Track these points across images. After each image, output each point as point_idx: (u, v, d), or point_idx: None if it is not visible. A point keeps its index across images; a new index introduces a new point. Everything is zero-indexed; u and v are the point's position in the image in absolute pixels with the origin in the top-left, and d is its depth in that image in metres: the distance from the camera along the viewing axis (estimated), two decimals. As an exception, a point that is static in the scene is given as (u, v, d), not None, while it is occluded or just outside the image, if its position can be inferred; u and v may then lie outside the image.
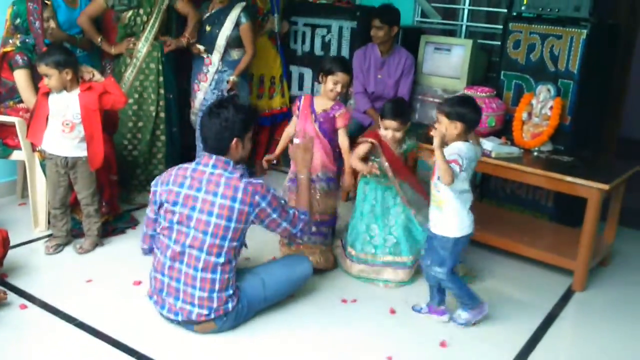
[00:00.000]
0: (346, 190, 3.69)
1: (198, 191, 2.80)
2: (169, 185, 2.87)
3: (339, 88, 3.53)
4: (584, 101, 4.05)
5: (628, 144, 5.83)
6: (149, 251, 3.07)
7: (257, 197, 2.79)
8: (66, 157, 3.54)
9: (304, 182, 3.16)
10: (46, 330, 2.92)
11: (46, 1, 3.80)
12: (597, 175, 3.46)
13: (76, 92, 3.49)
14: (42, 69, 3.39)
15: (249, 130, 2.91)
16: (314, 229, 3.56)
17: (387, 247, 3.51)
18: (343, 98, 3.78)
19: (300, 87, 5.37)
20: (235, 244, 2.83)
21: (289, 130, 3.76)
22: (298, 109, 3.67)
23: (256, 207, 2.80)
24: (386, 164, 3.42)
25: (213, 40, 4.49)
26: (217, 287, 2.81)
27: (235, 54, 4.57)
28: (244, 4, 4.48)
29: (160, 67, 4.41)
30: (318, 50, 5.23)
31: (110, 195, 3.95)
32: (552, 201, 4.27)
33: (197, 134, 4.54)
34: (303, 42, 5.30)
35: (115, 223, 3.97)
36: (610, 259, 3.97)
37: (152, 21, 4.33)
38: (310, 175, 3.22)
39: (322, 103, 3.61)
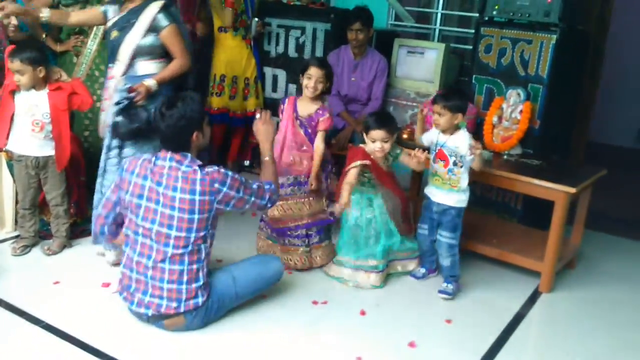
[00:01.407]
0: (314, 192, 3.65)
1: (158, 185, 2.79)
2: (133, 175, 2.86)
3: (312, 83, 3.56)
4: (553, 106, 4.11)
5: (596, 148, 5.93)
6: (101, 235, 3.06)
7: (216, 185, 2.79)
8: (37, 157, 3.51)
9: (269, 161, 3.16)
10: (13, 332, 2.88)
11: None
12: (565, 178, 3.52)
13: (45, 91, 3.46)
14: (16, 65, 3.34)
15: (204, 117, 2.91)
16: (299, 232, 3.64)
17: (364, 251, 3.53)
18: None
19: (274, 89, 5.37)
20: (202, 233, 2.83)
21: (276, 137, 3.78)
22: (282, 112, 3.70)
23: (217, 194, 2.80)
24: (369, 175, 3.51)
25: (115, 48, 3.53)
26: (185, 278, 2.81)
27: (143, 67, 3.54)
28: (161, 2, 3.48)
29: None
30: (292, 52, 5.23)
31: (78, 197, 3.91)
32: (520, 204, 4.32)
33: (102, 165, 3.57)
34: (277, 43, 5.29)
35: (83, 225, 3.93)
36: (576, 261, 4.03)
37: None
38: (273, 155, 3.21)
39: (306, 107, 3.64)
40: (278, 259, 3.36)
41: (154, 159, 2.86)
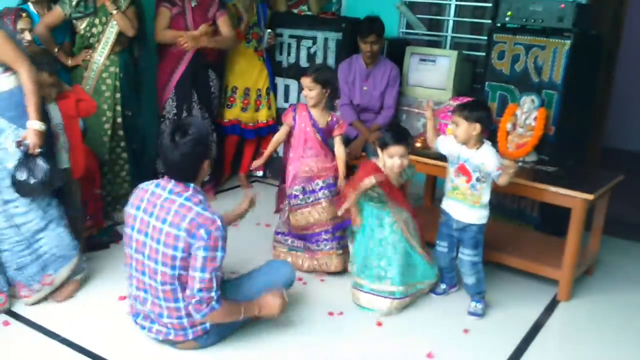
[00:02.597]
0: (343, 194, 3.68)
1: (150, 216, 2.68)
2: (128, 206, 2.81)
3: (305, 92, 3.64)
4: (568, 111, 4.08)
5: (611, 153, 5.87)
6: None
7: (201, 230, 2.60)
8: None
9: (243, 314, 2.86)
10: (30, 347, 2.88)
11: (21, 13, 3.71)
12: (582, 185, 3.48)
13: (54, 101, 3.48)
14: (46, 78, 3.34)
15: (211, 143, 2.84)
16: (328, 235, 3.69)
17: (379, 275, 3.34)
18: (329, 107, 3.80)
19: (286, 99, 5.37)
20: (185, 272, 2.65)
21: (278, 137, 3.86)
22: (294, 119, 3.72)
23: (197, 239, 2.60)
24: (380, 192, 3.32)
25: None
26: (183, 313, 2.73)
27: None
28: None
29: (118, 84, 4.21)
30: (303, 62, 5.23)
31: (94, 209, 3.93)
32: (537, 211, 4.29)
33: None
34: (289, 53, 5.31)
35: (99, 237, 3.94)
36: (594, 268, 3.98)
37: (107, 31, 4.12)
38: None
39: (320, 115, 3.69)
40: (288, 264, 3.34)
41: (152, 187, 2.77)
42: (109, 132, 4.21)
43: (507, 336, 3.18)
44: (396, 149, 3.22)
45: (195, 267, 2.62)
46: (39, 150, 3.02)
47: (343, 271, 3.71)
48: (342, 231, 3.74)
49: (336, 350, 2.98)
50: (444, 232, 3.44)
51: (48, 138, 3.17)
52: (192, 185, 2.72)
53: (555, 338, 3.27)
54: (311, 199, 3.70)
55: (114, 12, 4.07)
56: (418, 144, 4.06)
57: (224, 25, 4.72)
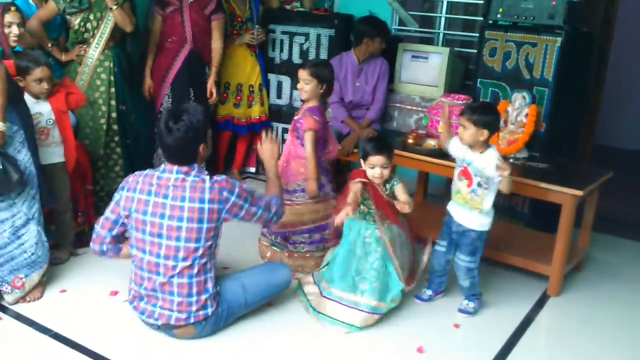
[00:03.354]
0: (311, 196, 3.64)
1: (165, 198, 2.78)
2: (135, 192, 2.84)
3: (299, 85, 3.59)
4: (559, 108, 4.10)
5: (603, 150, 5.91)
6: (101, 253, 3.01)
7: (225, 193, 2.80)
8: (42, 167, 3.52)
9: (273, 176, 3.21)
10: (21, 342, 2.89)
11: (10, 6, 3.67)
12: (572, 181, 3.50)
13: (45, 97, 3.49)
14: (45, 72, 3.37)
15: (208, 127, 2.90)
16: (306, 237, 3.64)
17: (349, 285, 3.22)
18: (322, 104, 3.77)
19: (279, 96, 5.38)
20: (210, 242, 2.83)
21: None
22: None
23: (226, 203, 2.81)
24: (373, 205, 3.22)
25: None
26: (194, 290, 2.81)
27: None
28: None
29: (112, 78, 4.21)
30: (296, 58, 5.24)
31: (85, 206, 3.92)
32: (527, 207, 4.31)
33: None
34: (281, 50, 5.31)
35: (90, 233, 3.91)
36: (584, 264, 4.01)
37: (102, 27, 4.12)
38: (277, 170, 3.25)
39: (300, 112, 3.65)
40: (287, 266, 3.34)
41: (157, 173, 2.85)
42: (105, 126, 4.22)
43: (497, 331, 3.20)
44: (377, 159, 3.15)
45: (254, 213, 2.94)
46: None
47: None
48: (320, 234, 3.68)
49: (326, 345, 3.00)
50: (445, 231, 3.40)
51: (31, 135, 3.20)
52: (195, 166, 2.84)
53: (545, 333, 3.30)
54: (291, 199, 3.64)
55: (114, 7, 4.06)
56: (410, 140, 4.07)
57: (216, 30, 4.75)
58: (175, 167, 2.81)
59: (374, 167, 3.17)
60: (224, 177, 2.85)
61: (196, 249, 2.79)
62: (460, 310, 3.37)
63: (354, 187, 3.19)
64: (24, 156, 3.16)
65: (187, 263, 2.78)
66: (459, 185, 3.29)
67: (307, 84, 3.56)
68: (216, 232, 2.87)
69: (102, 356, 2.80)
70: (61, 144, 3.56)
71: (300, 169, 3.62)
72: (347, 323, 3.13)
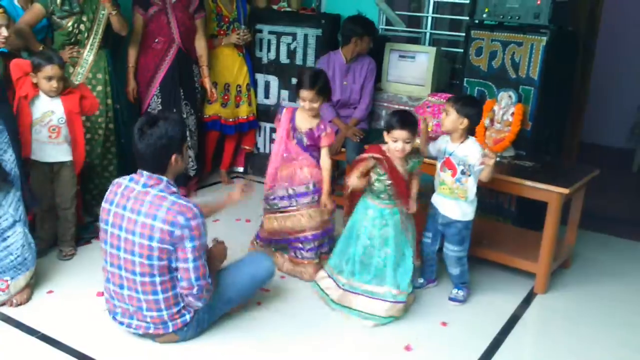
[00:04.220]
0: (328, 212, 3.62)
1: (124, 209, 2.70)
2: (104, 201, 2.82)
3: (307, 105, 3.52)
4: (545, 107, 4.12)
5: (588, 148, 5.95)
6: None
7: (179, 217, 2.62)
8: (51, 164, 3.58)
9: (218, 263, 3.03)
10: (8, 344, 2.87)
11: None
12: (558, 179, 3.53)
13: (58, 97, 3.53)
14: (56, 70, 3.41)
15: (185, 140, 2.80)
16: (311, 244, 3.59)
17: (371, 275, 3.25)
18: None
19: (267, 96, 5.37)
20: (164, 262, 2.67)
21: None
22: (278, 121, 3.66)
23: (177, 228, 2.62)
24: (388, 182, 3.21)
25: None
26: (163, 305, 2.75)
27: None
28: None
29: (107, 77, 4.26)
30: (284, 58, 5.24)
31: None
32: (514, 205, 4.33)
33: None
34: (268, 50, 5.30)
35: (79, 233, 3.93)
36: (571, 262, 4.04)
37: (95, 28, 4.14)
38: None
39: (306, 120, 3.59)
40: (268, 257, 3.32)
41: (126, 180, 2.78)
42: (103, 125, 4.24)
43: (485, 328, 3.22)
44: (400, 133, 3.15)
45: (187, 259, 2.67)
46: None
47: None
48: (320, 240, 3.65)
49: (315, 342, 3.00)
50: (431, 224, 3.49)
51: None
52: (165, 178, 2.73)
53: (532, 330, 3.32)
54: (289, 205, 3.62)
55: (114, 12, 4.10)
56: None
57: (200, 27, 4.79)
58: (143, 179, 2.72)
59: (397, 141, 3.17)
60: (192, 203, 2.70)
61: (150, 266, 2.66)
62: (451, 299, 3.45)
63: (367, 162, 3.21)
64: (9, 156, 3.15)
65: (146, 279, 2.69)
66: (442, 176, 3.38)
67: (314, 102, 3.51)
68: (172, 255, 2.68)
69: (89, 357, 2.79)
70: (70, 143, 3.61)
71: (299, 171, 3.58)
72: (372, 314, 3.19)
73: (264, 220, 3.72)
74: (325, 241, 3.69)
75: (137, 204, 2.67)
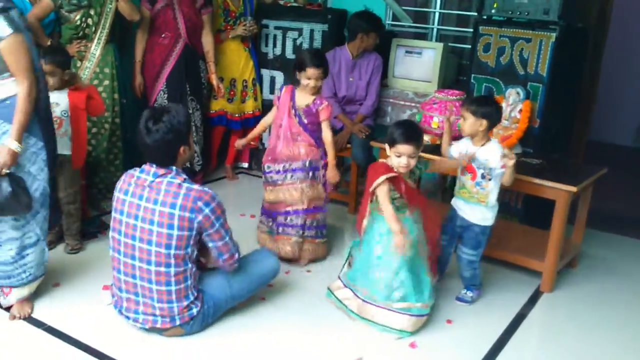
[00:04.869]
0: (332, 184, 3.70)
1: (140, 199, 2.72)
2: (118, 191, 2.83)
3: (312, 83, 3.57)
4: (553, 104, 4.09)
5: (597, 147, 5.90)
6: None
7: (199, 203, 2.69)
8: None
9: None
10: (15, 336, 2.88)
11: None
12: (565, 177, 3.50)
13: (65, 90, 3.55)
14: (48, 67, 3.41)
15: (190, 130, 2.84)
16: (295, 221, 3.67)
17: (393, 291, 3.06)
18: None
19: (272, 91, 5.35)
20: (182, 252, 2.73)
21: (266, 119, 3.88)
22: (278, 100, 3.71)
23: (198, 213, 2.69)
24: (398, 195, 3.05)
25: None
26: (174, 297, 2.78)
27: None
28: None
29: (115, 72, 4.27)
30: (289, 54, 5.21)
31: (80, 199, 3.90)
32: (521, 203, 4.30)
33: None
34: (274, 45, 5.28)
35: (85, 227, 3.92)
36: (578, 261, 4.01)
37: (102, 22, 4.15)
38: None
39: (304, 97, 3.64)
40: (274, 255, 3.33)
41: (137, 172, 2.80)
42: (110, 119, 4.25)
43: (490, 327, 3.19)
44: (405, 148, 2.94)
45: (222, 237, 2.82)
46: (7, 171, 2.79)
47: (294, 261, 3.72)
48: (306, 217, 3.67)
49: (320, 339, 2.99)
50: (448, 225, 3.41)
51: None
52: (174, 168, 2.76)
53: (538, 329, 3.29)
54: (284, 179, 3.67)
55: None
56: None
57: (207, 23, 4.79)
58: (153, 170, 2.75)
59: (401, 156, 2.96)
60: (206, 189, 2.77)
61: (167, 255, 2.70)
62: (458, 299, 3.41)
63: (383, 188, 2.98)
64: (44, 175, 3.00)
65: (162, 269, 2.72)
66: (463, 180, 3.31)
67: (318, 80, 3.59)
68: (190, 241, 2.75)
69: (95, 349, 2.79)
70: (70, 137, 3.60)
71: (300, 150, 3.64)
72: (399, 329, 3.02)
73: (264, 192, 3.81)
74: (313, 224, 3.72)
75: (153, 193, 2.71)
